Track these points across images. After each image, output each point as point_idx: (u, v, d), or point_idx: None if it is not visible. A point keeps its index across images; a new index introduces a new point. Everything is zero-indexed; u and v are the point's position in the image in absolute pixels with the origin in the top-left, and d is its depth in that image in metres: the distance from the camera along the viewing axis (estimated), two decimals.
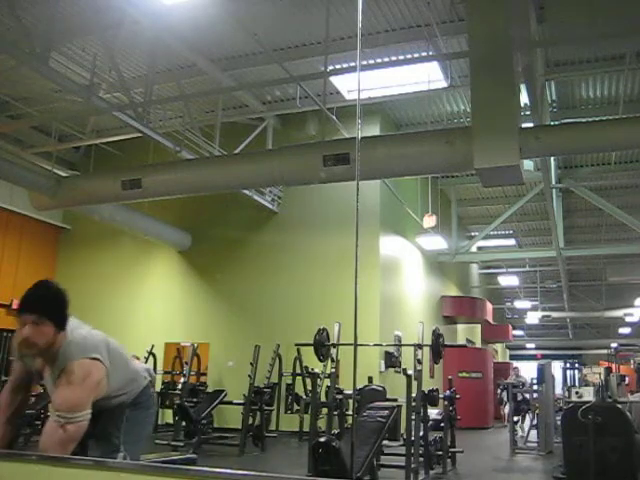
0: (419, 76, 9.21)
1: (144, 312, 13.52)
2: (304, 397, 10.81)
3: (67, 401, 2.41)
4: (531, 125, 7.86)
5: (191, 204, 12.28)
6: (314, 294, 11.86)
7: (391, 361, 11.73)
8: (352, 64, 8.55)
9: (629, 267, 18.09)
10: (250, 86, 10.57)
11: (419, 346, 6.87)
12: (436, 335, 6.92)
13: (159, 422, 12.06)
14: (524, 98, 8.02)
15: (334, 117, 9.09)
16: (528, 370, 16.90)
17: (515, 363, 23.50)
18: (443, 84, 9.34)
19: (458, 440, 8.37)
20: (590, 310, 22.64)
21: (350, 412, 8.10)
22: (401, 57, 9.22)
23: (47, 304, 2.50)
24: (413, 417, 6.55)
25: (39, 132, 12.62)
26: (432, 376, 11.43)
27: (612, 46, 9.12)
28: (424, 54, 8.91)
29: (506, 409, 15.42)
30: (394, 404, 6.36)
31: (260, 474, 1.57)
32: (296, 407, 11.58)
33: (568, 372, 23.03)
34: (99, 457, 2.46)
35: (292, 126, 12.04)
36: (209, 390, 11.24)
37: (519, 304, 23.34)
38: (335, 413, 7.65)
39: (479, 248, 18.07)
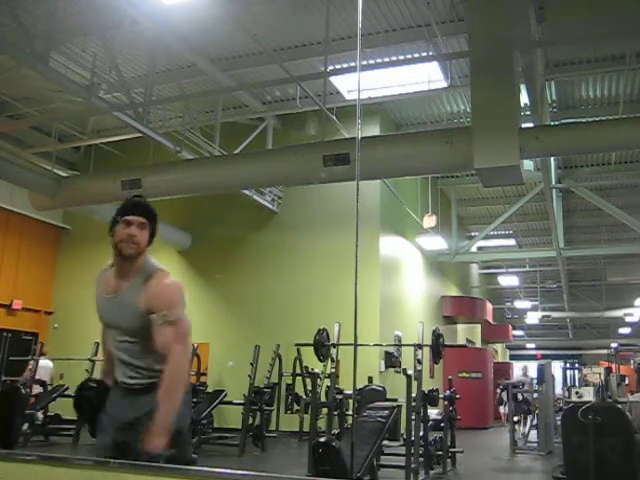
0: (419, 76, 9.21)
1: None
2: (304, 397, 10.80)
3: (169, 295, 2.56)
4: (531, 125, 7.86)
5: (191, 204, 12.27)
6: (314, 294, 11.85)
7: (391, 361, 11.73)
8: (352, 64, 8.55)
9: (629, 267, 18.08)
10: (250, 86, 10.56)
11: (419, 346, 6.87)
12: (436, 335, 6.91)
13: None
14: (524, 98, 8.02)
15: (334, 117, 9.09)
16: (528, 370, 16.87)
17: (516, 363, 23.50)
18: (443, 84, 9.33)
19: (458, 440, 8.36)
20: (590, 310, 22.63)
21: (350, 412, 8.10)
22: (401, 57, 9.22)
23: (151, 213, 2.67)
24: (413, 417, 6.55)
25: (39, 132, 12.62)
26: (432, 376, 11.43)
27: (612, 46, 9.12)
28: (424, 54, 8.90)
29: (501, 409, 15.49)
30: (394, 404, 6.36)
31: (260, 474, 1.57)
32: (296, 407, 11.58)
33: (568, 372, 23.06)
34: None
35: (292, 126, 12.04)
36: (209, 390, 11.24)
37: (519, 304, 23.33)
38: (335, 413, 7.64)
39: (479, 248, 18.06)
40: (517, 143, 6.15)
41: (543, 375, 10.13)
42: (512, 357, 30.70)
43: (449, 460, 7.87)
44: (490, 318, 19.11)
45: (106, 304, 2.72)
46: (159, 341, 2.49)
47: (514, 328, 25.79)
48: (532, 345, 31.66)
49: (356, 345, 2.22)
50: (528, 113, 8.38)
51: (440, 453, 7.58)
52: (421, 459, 6.72)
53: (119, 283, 2.67)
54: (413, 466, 6.29)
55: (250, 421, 9.32)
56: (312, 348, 7.36)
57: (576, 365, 27.31)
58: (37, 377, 10.02)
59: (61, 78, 8.32)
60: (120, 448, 2.47)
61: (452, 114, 11.82)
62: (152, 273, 2.61)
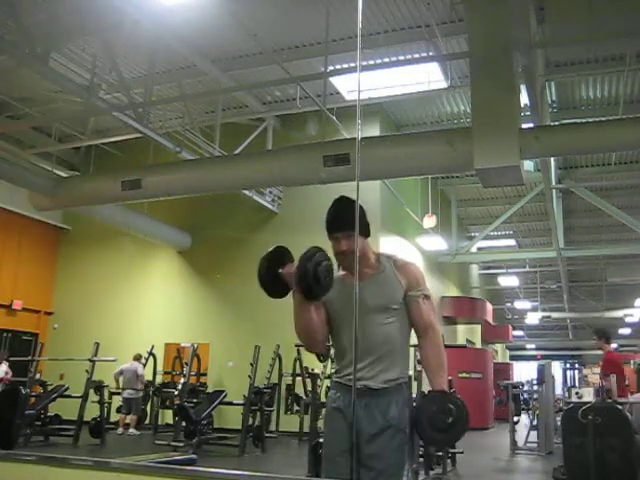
0: (419, 77, 9.21)
1: (144, 312, 13.52)
2: (304, 398, 10.80)
3: (419, 273, 2.72)
4: (531, 125, 7.85)
5: (191, 204, 12.27)
6: None
7: None
8: (352, 65, 8.54)
9: (629, 268, 18.08)
10: (250, 86, 10.56)
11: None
12: None
13: (159, 422, 12.08)
14: (524, 98, 8.01)
15: (334, 118, 9.09)
16: (528, 370, 16.88)
17: (516, 363, 23.50)
18: (443, 85, 9.33)
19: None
20: (590, 311, 22.62)
21: None
22: (401, 58, 9.22)
23: (352, 223, 2.53)
24: None
25: (39, 132, 12.62)
26: None
27: (612, 46, 9.12)
28: (424, 55, 8.90)
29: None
30: None
31: (259, 474, 1.57)
32: (296, 408, 11.58)
33: (568, 372, 23.05)
34: None
35: (292, 126, 12.04)
36: (209, 390, 11.24)
37: (519, 305, 23.32)
38: None
39: (479, 248, 18.06)
40: (517, 143, 6.14)
41: (543, 375, 10.13)
42: (512, 357, 30.71)
43: (449, 460, 7.86)
44: (490, 318, 19.10)
45: (349, 293, 2.56)
46: (418, 315, 2.62)
47: (514, 328, 25.80)
48: (532, 345, 31.68)
49: (356, 345, 2.21)
50: (528, 113, 8.36)
51: (440, 453, 7.57)
52: (421, 459, 6.72)
53: (360, 274, 2.55)
54: (413, 466, 6.28)
55: (250, 421, 9.32)
56: None
57: (576, 365, 27.29)
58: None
59: (61, 78, 8.32)
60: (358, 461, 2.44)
61: (452, 115, 11.82)
62: (393, 256, 2.71)
